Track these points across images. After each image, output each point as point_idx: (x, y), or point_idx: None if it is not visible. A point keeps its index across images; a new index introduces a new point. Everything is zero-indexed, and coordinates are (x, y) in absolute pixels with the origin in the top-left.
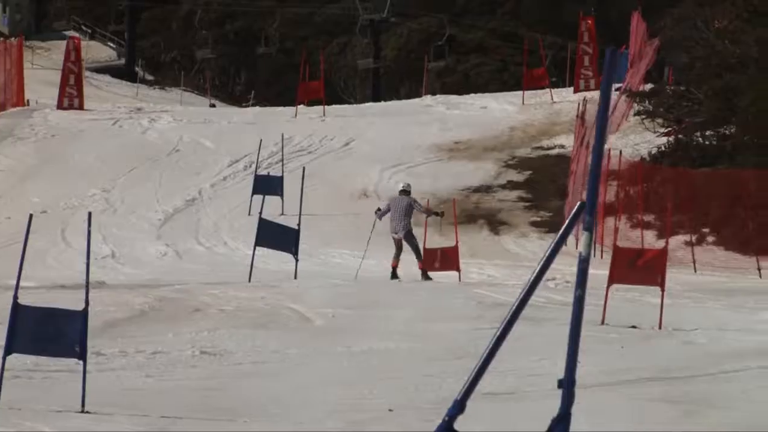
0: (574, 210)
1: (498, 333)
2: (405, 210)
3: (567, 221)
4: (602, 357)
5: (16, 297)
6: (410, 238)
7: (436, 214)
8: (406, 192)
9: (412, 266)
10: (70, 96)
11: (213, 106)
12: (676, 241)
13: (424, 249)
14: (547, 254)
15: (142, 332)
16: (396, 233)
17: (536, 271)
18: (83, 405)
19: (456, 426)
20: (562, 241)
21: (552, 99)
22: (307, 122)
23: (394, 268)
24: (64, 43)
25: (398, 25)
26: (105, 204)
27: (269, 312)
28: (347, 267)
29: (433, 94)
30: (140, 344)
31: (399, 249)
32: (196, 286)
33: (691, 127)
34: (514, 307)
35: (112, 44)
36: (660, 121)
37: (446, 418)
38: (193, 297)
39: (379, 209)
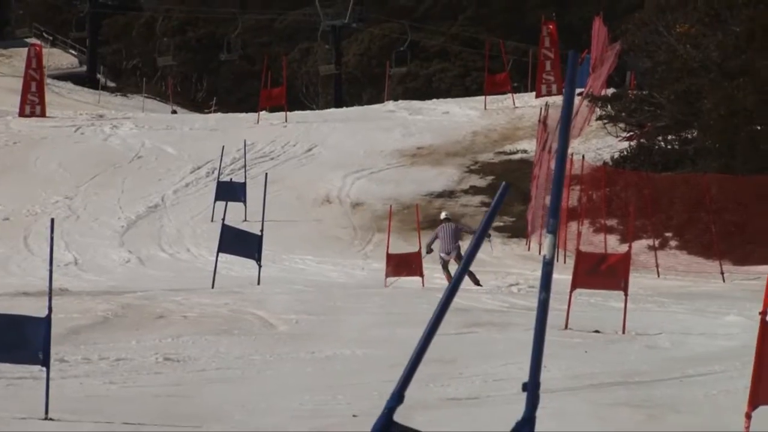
0: (499, 191)
1: (432, 319)
2: (454, 235)
3: (494, 201)
4: (566, 361)
5: None
6: (460, 258)
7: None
8: (449, 219)
9: (379, 273)
10: (32, 103)
11: (174, 112)
12: (639, 245)
13: (387, 254)
14: (480, 229)
15: (106, 339)
16: (448, 254)
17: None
18: (47, 412)
19: (398, 419)
20: (489, 221)
21: (514, 104)
22: (270, 128)
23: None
24: (25, 50)
25: (360, 31)
26: (68, 211)
27: (233, 318)
28: (310, 273)
29: (396, 99)
30: (104, 351)
31: (446, 267)
32: (159, 293)
33: (654, 131)
34: (446, 293)
35: (73, 51)
36: (622, 125)
37: (386, 410)
38: (156, 304)
39: (429, 246)
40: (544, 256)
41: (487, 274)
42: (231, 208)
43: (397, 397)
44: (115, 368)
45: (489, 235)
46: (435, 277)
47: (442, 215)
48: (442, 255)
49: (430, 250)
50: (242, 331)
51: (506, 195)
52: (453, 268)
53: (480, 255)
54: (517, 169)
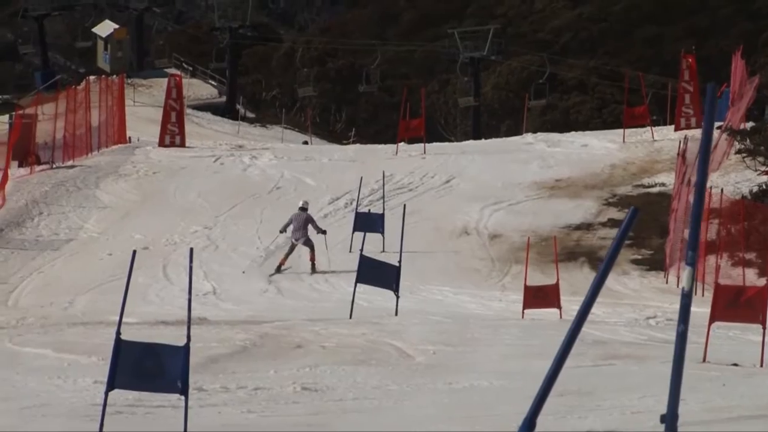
0: (627, 215)
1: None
2: (304, 223)
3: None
4: (704, 394)
5: (118, 332)
6: (308, 242)
7: (323, 232)
8: (304, 209)
9: (517, 305)
10: (172, 133)
11: (306, 143)
12: None
13: (525, 286)
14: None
15: (244, 368)
16: (297, 240)
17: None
18: None
19: None
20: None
21: (653, 137)
22: (408, 160)
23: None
24: (165, 80)
25: (498, 64)
26: (206, 240)
27: (370, 348)
28: (447, 304)
29: (534, 131)
30: (242, 380)
31: (291, 251)
32: (297, 323)
33: None
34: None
35: (213, 82)
36: (761, 159)
37: None
38: (294, 333)
39: (284, 228)
40: (683, 289)
41: (625, 306)
42: (369, 239)
43: (528, 424)
44: (253, 397)
45: (324, 231)
46: (572, 309)
47: (300, 203)
48: (293, 240)
49: (283, 230)
50: (379, 362)
51: (635, 220)
52: (302, 251)
53: (617, 287)
54: (655, 202)
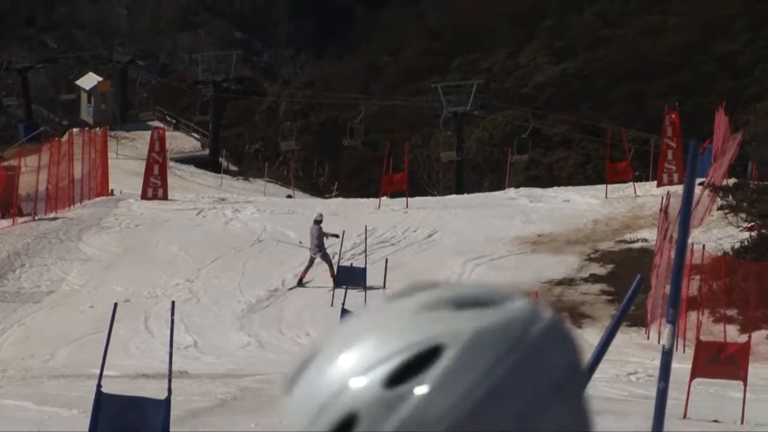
0: (633, 285)
1: None
2: (318, 236)
3: (628, 295)
4: None
5: (99, 385)
6: (325, 257)
7: (335, 236)
8: (317, 222)
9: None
10: (155, 186)
11: (290, 197)
12: (759, 335)
13: None
14: (612, 323)
15: (225, 422)
16: (315, 254)
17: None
18: None
19: None
20: (623, 314)
21: (635, 193)
22: (391, 214)
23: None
24: (148, 133)
25: (481, 119)
26: (188, 293)
27: None
28: None
29: (517, 186)
30: None
31: (311, 264)
32: (277, 377)
33: None
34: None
35: (196, 135)
36: (743, 215)
37: None
38: (275, 387)
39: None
40: (663, 346)
41: (606, 362)
42: (351, 293)
43: None
44: None
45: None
46: None
47: (315, 216)
48: (311, 254)
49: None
50: None
51: (640, 288)
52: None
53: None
54: (637, 258)
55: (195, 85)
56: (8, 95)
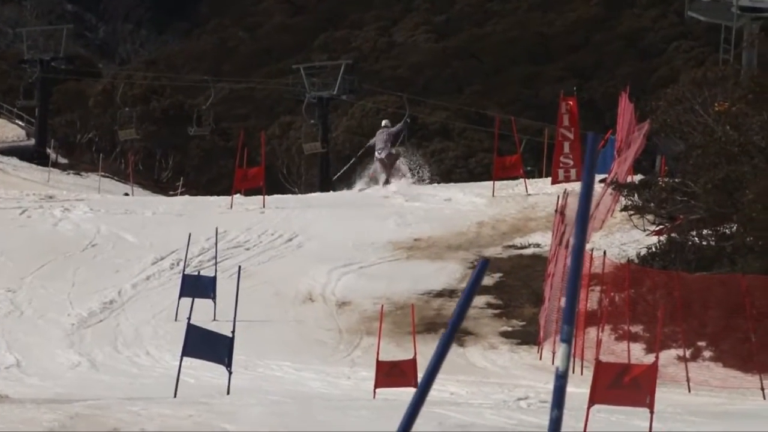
0: (477, 267)
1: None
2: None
3: (471, 279)
4: None
5: None
6: (390, 156)
7: (405, 121)
8: (387, 126)
9: (368, 383)
10: None
11: (127, 194)
12: (668, 355)
13: (377, 361)
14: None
15: None
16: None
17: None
18: None
19: None
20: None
21: (527, 191)
22: (245, 214)
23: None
24: None
25: (350, 105)
26: (10, 306)
27: None
28: (288, 381)
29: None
30: None
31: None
32: (113, 402)
33: (686, 224)
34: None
35: (20, 122)
36: (651, 217)
37: None
38: (109, 414)
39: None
40: (557, 369)
41: (492, 386)
42: (198, 306)
43: None
44: None
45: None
46: (431, 389)
47: (383, 123)
48: (377, 155)
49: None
50: None
51: (484, 272)
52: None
53: (483, 363)
54: (528, 266)
55: (19, 65)
56: None
